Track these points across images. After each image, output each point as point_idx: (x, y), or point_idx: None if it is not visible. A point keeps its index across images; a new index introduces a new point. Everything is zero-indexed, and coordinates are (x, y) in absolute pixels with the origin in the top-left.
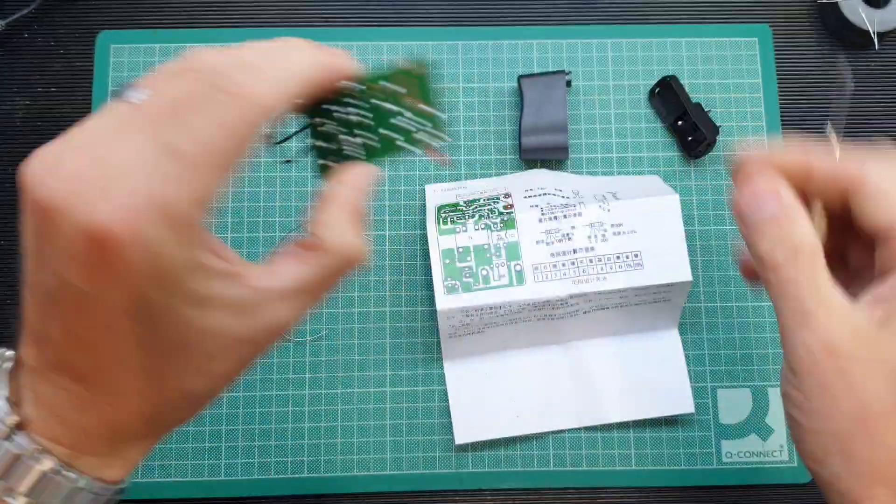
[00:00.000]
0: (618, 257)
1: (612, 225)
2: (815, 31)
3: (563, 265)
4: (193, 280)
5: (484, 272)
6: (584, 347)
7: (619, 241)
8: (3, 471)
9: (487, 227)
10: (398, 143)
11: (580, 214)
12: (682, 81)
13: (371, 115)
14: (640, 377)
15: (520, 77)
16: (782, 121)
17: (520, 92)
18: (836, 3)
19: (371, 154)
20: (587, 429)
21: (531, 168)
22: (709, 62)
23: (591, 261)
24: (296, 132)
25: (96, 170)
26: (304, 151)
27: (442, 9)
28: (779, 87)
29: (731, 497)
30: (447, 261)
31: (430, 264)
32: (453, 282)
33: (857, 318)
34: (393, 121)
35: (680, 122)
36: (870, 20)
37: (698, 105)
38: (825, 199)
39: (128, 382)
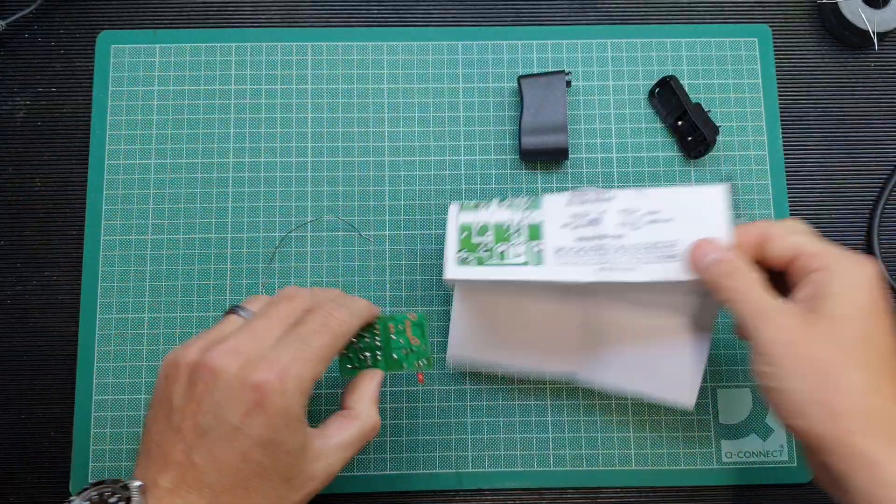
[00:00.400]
0: (651, 247)
1: (649, 212)
2: (815, 32)
3: (589, 251)
4: (301, 431)
5: (501, 249)
6: (606, 304)
7: (654, 230)
8: None
9: (512, 206)
10: (400, 363)
11: (612, 199)
12: (682, 81)
13: (382, 342)
14: (653, 354)
15: (520, 77)
16: (782, 121)
17: (520, 92)
18: (836, 3)
19: (379, 365)
20: (587, 429)
21: (531, 168)
22: (709, 62)
23: (620, 248)
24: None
25: (254, 348)
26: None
27: (442, 9)
28: (779, 87)
29: (730, 497)
30: (464, 234)
31: (430, 264)
32: (467, 254)
33: (796, 311)
34: (397, 347)
35: (680, 123)
36: (870, 20)
37: (698, 105)
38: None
39: (245, 500)
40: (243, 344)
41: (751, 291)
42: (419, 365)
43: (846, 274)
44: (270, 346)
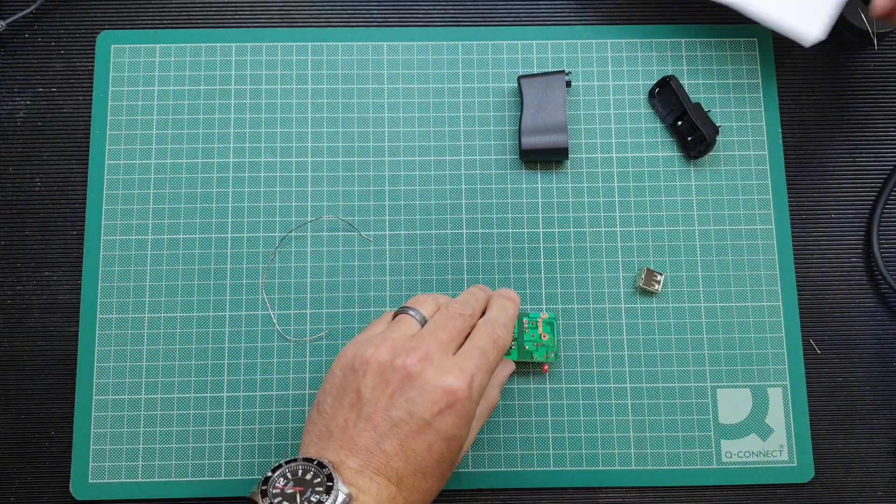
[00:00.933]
0: None
1: None
2: None
3: None
4: (471, 428)
5: None
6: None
7: None
8: None
9: None
10: (531, 353)
11: None
12: (682, 81)
13: (516, 335)
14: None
15: (520, 77)
16: (782, 121)
17: (520, 92)
18: None
19: (513, 353)
20: (587, 429)
21: (531, 168)
22: (709, 62)
23: None
24: None
25: (442, 356)
26: None
27: (442, 9)
28: (779, 87)
29: (730, 497)
30: None
31: (430, 264)
32: None
33: None
34: (529, 340)
35: (680, 122)
36: (870, 20)
37: (698, 105)
38: None
39: (423, 484)
40: (433, 351)
41: None
42: (547, 357)
43: None
44: (453, 354)
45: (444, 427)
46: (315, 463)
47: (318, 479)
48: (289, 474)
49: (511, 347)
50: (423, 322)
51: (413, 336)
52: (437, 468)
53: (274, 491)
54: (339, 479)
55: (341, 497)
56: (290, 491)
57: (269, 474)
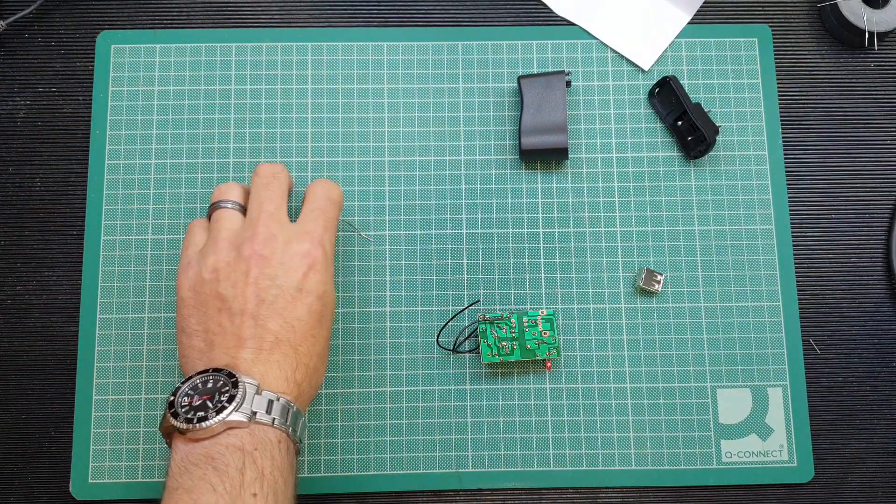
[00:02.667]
0: None
1: None
2: (814, 32)
3: None
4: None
5: None
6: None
7: None
8: (266, 408)
9: None
10: (533, 351)
11: None
12: (681, 81)
13: (517, 334)
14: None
15: (520, 77)
16: (782, 121)
17: (520, 92)
18: (836, 3)
19: (515, 353)
20: (587, 429)
21: (531, 168)
22: (709, 62)
23: None
24: (468, 336)
25: (281, 228)
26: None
27: (442, 9)
28: (779, 87)
29: (730, 497)
30: None
31: (430, 264)
32: None
33: None
34: (530, 338)
35: (680, 123)
36: (869, 21)
37: (698, 105)
38: None
39: (315, 346)
40: (272, 227)
41: None
42: (549, 354)
43: None
44: (292, 223)
45: (313, 287)
46: (211, 371)
47: (221, 382)
48: (190, 391)
49: (514, 347)
50: (240, 208)
51: (243, 223)
52: (320, 328)
53: (182, 407)
54: (240, 373)
55: (250, 388)
56: (197, 403)
57: (171, 398)
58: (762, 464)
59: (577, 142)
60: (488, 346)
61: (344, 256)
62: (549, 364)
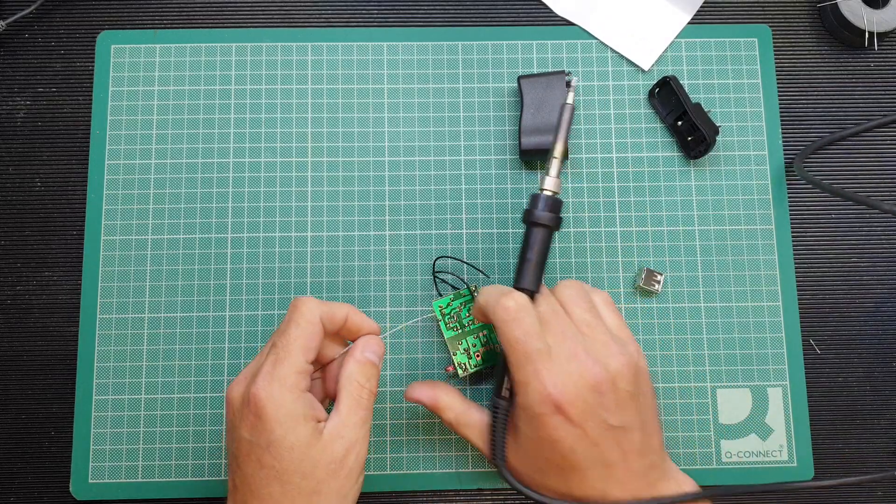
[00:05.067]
0: None
1: None
2: (814, 32)
3: None
4: (301, 425)
5: None
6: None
7: None
8: None
9: None
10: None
11: None
12: (681, 81)
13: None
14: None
15: (520, 77)
16: (782, 121)
17: (520, 92)
18: (836, 3)
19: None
20: None
21: (531, 168)
22: (709, 62)
23: None
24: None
25: (252, 372)
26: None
27: (442, 9)
28: (779, 87)
29: (731, 497)
30: None
31: (430, 264)
32: None
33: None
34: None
35: (680, 122)
36: (869, 21)
37: (698, 105)
38: None
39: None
40: (247, 371)
41: None
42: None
43: None
44: (258, 364)
45: (261, 437)
46: None
47: None
48: None
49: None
50: None
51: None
52: (281, 487)
53: None
54: None
55: None
56: None
57: None
58: (762, 464)
59: (577, 142)
60: (494, 351)
61: (344, 256)
62: (450, 367)
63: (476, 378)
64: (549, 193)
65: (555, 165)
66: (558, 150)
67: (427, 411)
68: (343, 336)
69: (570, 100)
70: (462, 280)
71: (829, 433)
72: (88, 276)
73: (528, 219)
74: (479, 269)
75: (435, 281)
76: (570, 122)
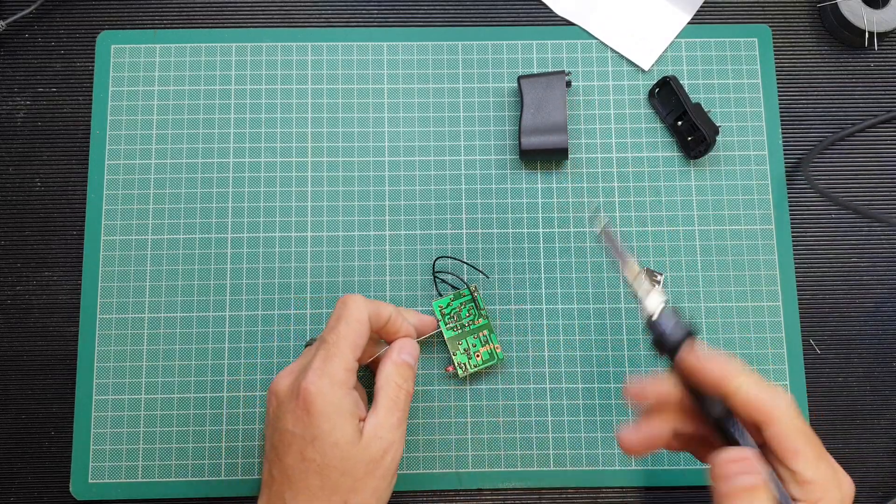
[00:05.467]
0: None
1: None
2: (814, 32)
3: None
4: (347, 422)
5: None
6: None
7: None
8: None
9: None
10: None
11: None
12: (681, 81)
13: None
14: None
15: (520, 77)
16: (782, 121)
17: (520, 92)
18: (836, 3)
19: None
20: (587, 429)
21: (531, 168)
22: (709, 62)
23: None
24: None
25: (302, 367)
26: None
27: (442, 9)
28: (779, 87)
29: None
30: None
31: (429, 265)
32: None
33: None
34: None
35: (680, 123)
36: (869, 21)
37: (698, 105)
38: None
39: (310, 502)
40: (295, 366)
41: None
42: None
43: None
44: (310, 360)
45: (306, 431)
46: None
47: None
48: None
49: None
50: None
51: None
52: (320, 480)
53: None
54: None
55: None
56: None
57: None
58: None
59: (577, 142)
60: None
61: (344, 256)
62: (449, 367)
63: (475, 378)
64: (663, 306)
65: (640, 282)
66: (631, 271)
67: (427, 411)
68: (381, 336)
69: (602, 226)
70: (462, 280)
71: (829, 433)
72: (88, 276)
73: (668, 345)
74: (478, 269)
75: (435, 281)
76: (618, 241)
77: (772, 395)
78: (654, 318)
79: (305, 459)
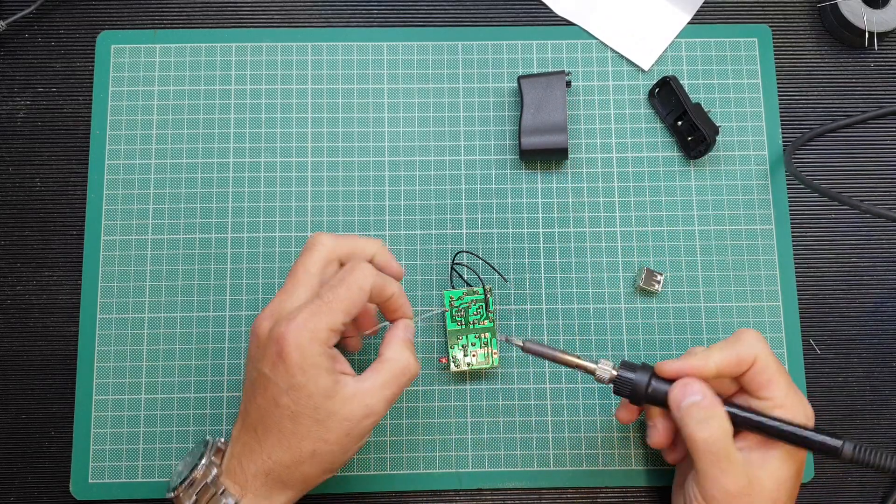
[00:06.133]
0: None
1: None
2: (814, 32)
3: None
4: (323, 376)
5: None
6: None
7: None
8: (206, 501)
9: None
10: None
11: None
12: (681, 81)
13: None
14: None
15: (520, 77)
16: (782, 121)
17: (520, 92)
18: (836, 3)
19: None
20: (587, 429)
21: (531, 168)
22: (709, 62)
23: None
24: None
25: (284, 308)
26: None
27: (442, 9)
28: (779, 87)
29: None
30: None
31: (429, 265)
32: None
33: (749, 464)
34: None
35: (680, 123)
36: (869, 21)
37: (698, 105)
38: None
39: (280, 441)
40: (276, 306)
41: (718, 442)
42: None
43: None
44: (297, 305)
45: (280, 378)
46: (203, 441)
47: (199, 452)
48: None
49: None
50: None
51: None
52: (292, 424)
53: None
54: (209, 450)
55: (201, 463)
56: (179, 468)
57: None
58: None
59: (577, 142)
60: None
61: None
62: (443, 359)
63: (475, 378)
64: (613, 364)
65: (581, 362)
66: (570, 362)
67: (427, 411)
68: (381, 309)
69: (522, 345)
70: (479, 277)
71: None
72: (88, 276)
73: (643, 392)
74: (497, 271)
75: (452, 271)
76: (542, 346)
77: (742, 346)
78: (617, 375)
79: (279, 406)
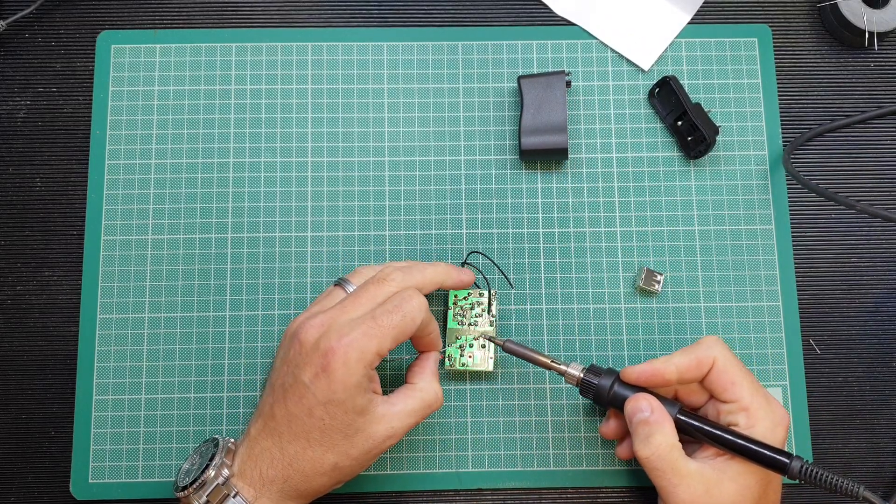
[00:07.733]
0: None
1: None
2: (814, 32)
3: None
4: (361, 395)
5: None
6: None
7: None
8: (218, 502)
9: None
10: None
11: None
12: (681, 81)
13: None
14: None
15: (520, 77)
16: (782, 121)
17: (520, 92)
18: (836, 3)
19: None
20: (587, 429)
21: (531, 168)
22: (709, 62)
23: None
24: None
25: (336, 322)
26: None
27: (442, 9)
28: (778, 87)
29: None
30: None
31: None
32: None
33: (704, 474)
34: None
35: (680, 123)
36: (870, 20)
37: (698, 105)
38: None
39: (305, 450)
40: (329, 318)
41: (662, 458)
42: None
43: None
44: (350, 321)
45: (319, 391)
46: (211, 440)
47: (210, 453)
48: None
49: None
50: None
51: (329, 306)
52: (321, 436)
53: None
54: (221, 451)
55: (213, 463)
56: (186, 466)
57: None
58: None
59: (577, 142)
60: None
61: (344, 256)
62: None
63: (475, 378)
64: (582, 367)
65: (555, 364)
66: (544, 363)
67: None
68: (415, 340)
69: (502, 344)
70: (485, 279)
71: (829, 433)
72: (88, 276)
73: (607, 395)
74: (506, 277)
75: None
76: (521, 347)
77: (701, 349)
78: (583, 377)
79: (313, 416)
